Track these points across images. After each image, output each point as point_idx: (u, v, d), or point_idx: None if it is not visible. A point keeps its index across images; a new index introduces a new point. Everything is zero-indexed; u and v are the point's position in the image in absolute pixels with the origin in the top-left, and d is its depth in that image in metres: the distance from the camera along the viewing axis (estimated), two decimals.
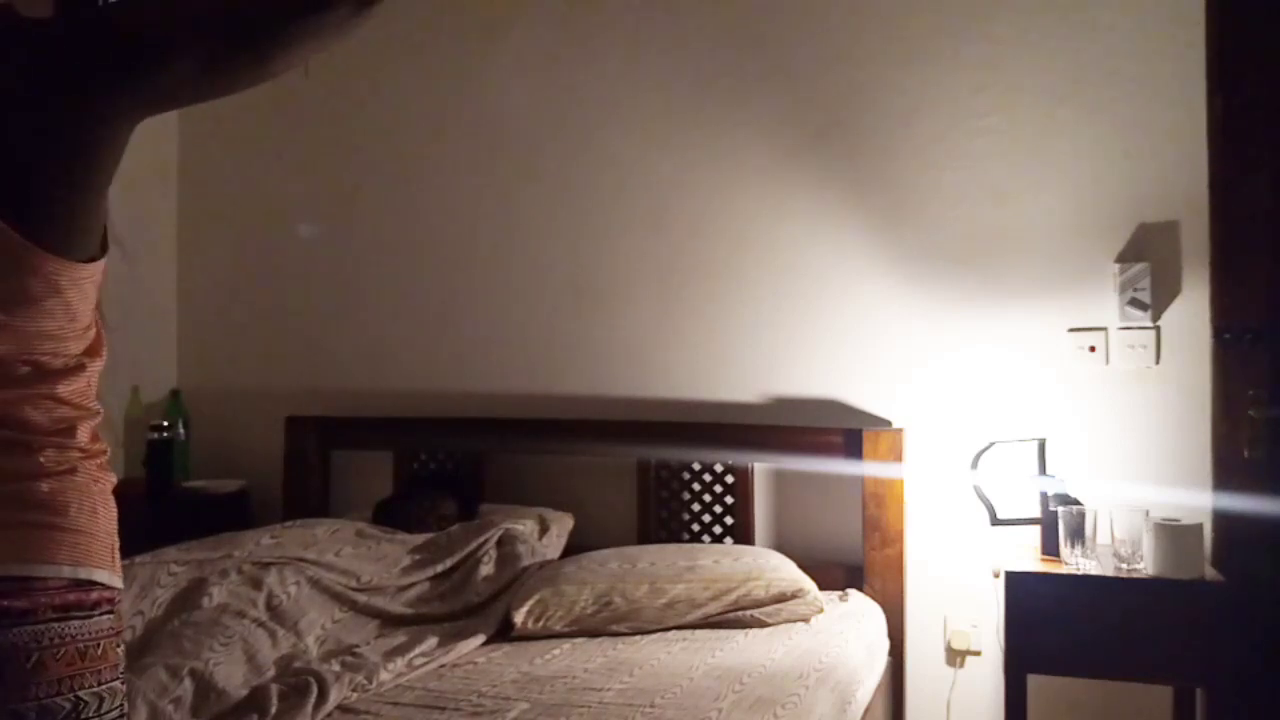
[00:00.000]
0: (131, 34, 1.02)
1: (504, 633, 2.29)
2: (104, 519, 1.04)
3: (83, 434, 1.05)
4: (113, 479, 1.09)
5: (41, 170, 0.98)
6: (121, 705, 1.03)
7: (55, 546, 0.98)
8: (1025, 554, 2.36)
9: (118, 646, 1.03)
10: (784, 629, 2.30)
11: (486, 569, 2.46)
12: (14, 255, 0.97)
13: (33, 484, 0.99)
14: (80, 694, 0.97)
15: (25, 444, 1.00)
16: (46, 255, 0.98)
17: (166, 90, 1.05)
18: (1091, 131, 2.55)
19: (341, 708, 1.83)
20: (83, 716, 0.98)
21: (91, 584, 1.00)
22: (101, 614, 1.01)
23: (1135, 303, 2.48)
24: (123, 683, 1.04)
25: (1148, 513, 2.21)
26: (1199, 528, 2.18)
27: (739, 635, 2.26)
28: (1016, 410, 2.55)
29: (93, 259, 1.03)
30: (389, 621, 2.31)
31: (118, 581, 1.04)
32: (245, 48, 1.06)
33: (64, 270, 1.00)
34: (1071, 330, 2.55)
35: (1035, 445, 2.42)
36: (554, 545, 2.69)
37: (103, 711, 0.99)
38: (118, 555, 1.05)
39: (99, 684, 0.99)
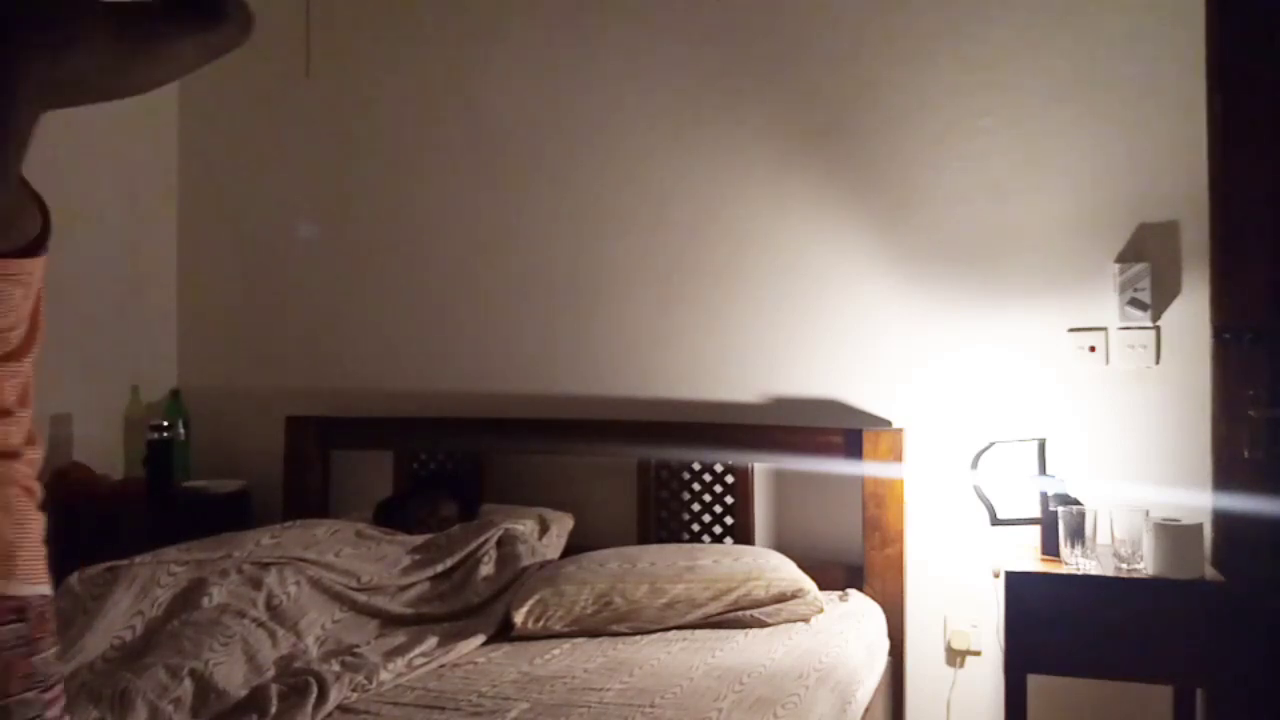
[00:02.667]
0: (49, 8, 1.01)
1: (504, 633, 2.28)
2: (8, 526, 0.99)
3: None
4: (29, 482, 1.03)
5: None
6: (38, 715, 0.98)
7: None
8: (1025, 554, 2.36)
9: (33, 656, 0.98)
10: (784, 629, 2.30)
11: (486, 569, 2.46)
12: None
13: None
14: (2, 703, 0.94)
15: None
16: None
17: (69, 78, 1.03)
18: (1091, 131, 2.55)
19: (341, 708, 1.83)
20: None
21: None
22: (6, 624, 0.96)
23: (1135, 303, 2.48)
24: (42, 691, 0.99)
25: (1148, 513, 2.21)
26: (1199, 528, 2.18)
27: (739, 635, 2.26)
28: (1016, 410, 2.56)
29: (11, 253, 0.97)
30: (389, 621, 2.31)
31: (30, 589, 0.99)
32: (143, 53, 1.10)
33: None
34: (1071, 330, 2.55)
35: (1035, 445, 2.42)
36: (554, 545, 2.69)
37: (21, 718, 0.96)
38: (32, 561, 1.00)
39: (22, 692, 0.96)
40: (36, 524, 1.03)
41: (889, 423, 2.69)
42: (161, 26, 1.12)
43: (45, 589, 1.01)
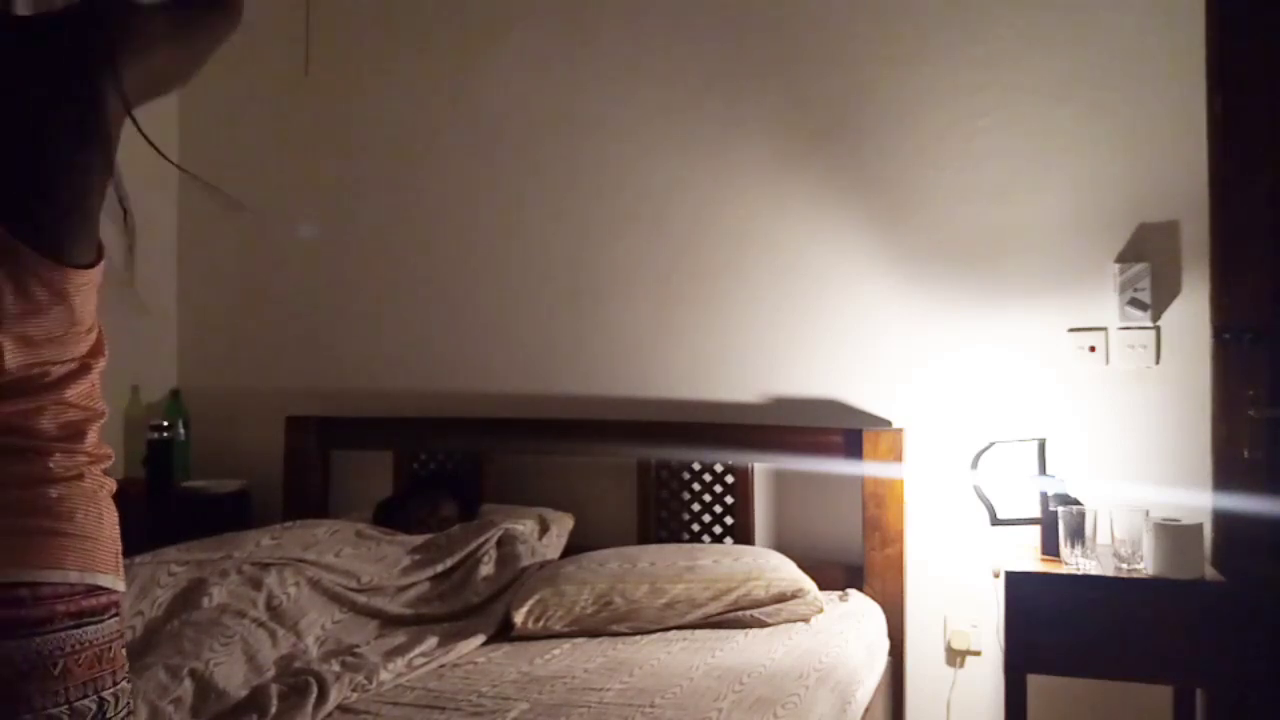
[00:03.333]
0: (131, 17, 1.07)
1: (504, 633, 2.29)
2: (108, 524, 1.05)
3: (90, 437, 1.06)
4: (113, 483, 1.09)
5: (59, 173, 0.99)
6: (129, 702, 1.06)
7: (64, 553, 0.99)
8: (1025, 554, 2.36)
9: (123, 648, 1.06)
10: (784, 629, 2.30)
11: (486, 569, 2.46)
12: (21, 267, 0.97)
13: (41, 489, 1.00)
14: (103, 694, 1.01)
15: (34, 450, 1.00)
16: (53, 264, 0.99)
17: (146, 83, 1.10)
18: (1091, 131, 2.55)
19: (341, 708, 1.83)
20: (106, 715, 1.01)
21: (99, 589, 1.02)
22: (110, 617, 1.03)
23: (1135, 303, 2.48)
24: (128, 681, 1.07)
25: (1148, 513, 2.21)
26: (1199, 528, 2.18)
27: (739, 635, 2.26)
28: (1016, 410, 2.56)
29: (92, 263, 1.04)
30: (389, 622, 2.31)
31: (121, 585, 1.05)
32: (188, 45, 1.17)
33: (69, 278, 1.00)
34: (1071, 330, 2.55)
35: (1035, 445, 2.42)
36: (554, 545, 2.69)
37: (119, 709, 1.03)
38: (120, 559, 1.06)
39: (114, 684, 1.02)
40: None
41: (889, 423, 2.69)
42: (196, 16, 1.17)
43: (124, 585, 1.09)
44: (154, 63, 1.09)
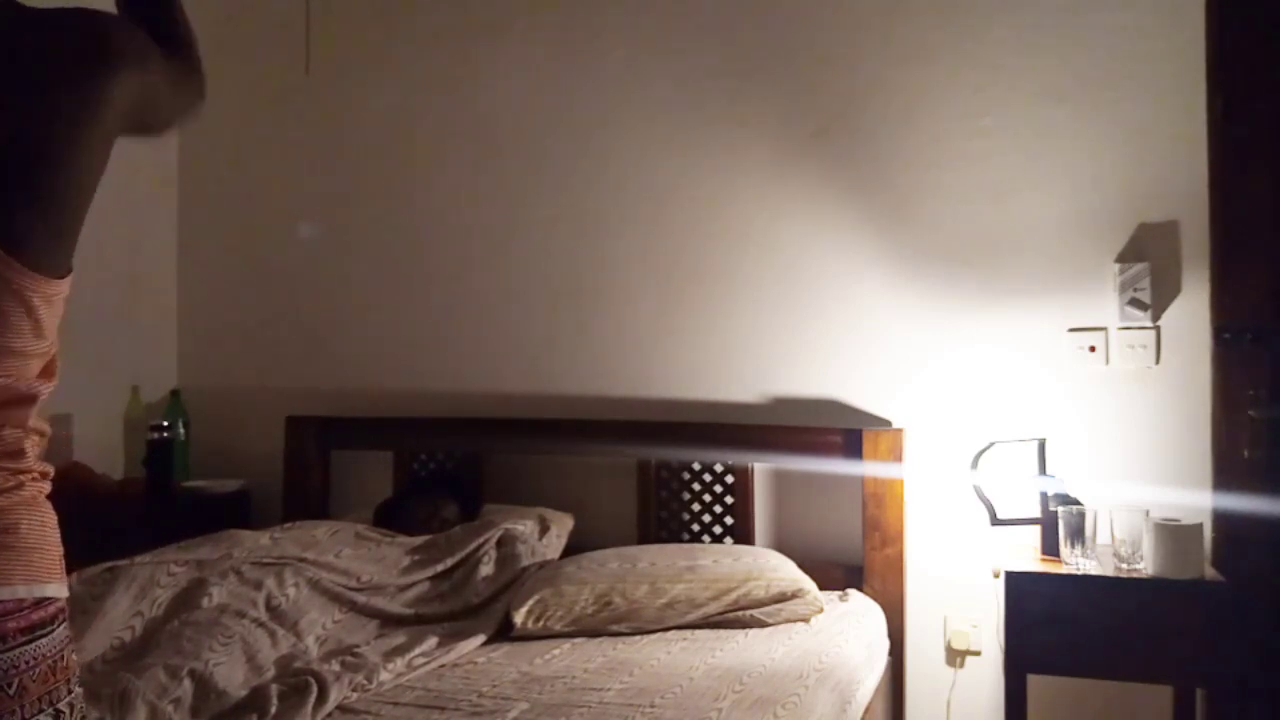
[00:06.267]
0: (135, 36, 1.06)
1: (504, 633, 2.29)
2: (50, 528, 1.02)
3: (30, 453, 1.02)
4: (48, 485, 1.05)
5: (53, 173, 0.97)
6: (83, 707, 1.04)
7: (11, 567, 0.96)
8: (1025, 554, 2.36)
9: (73, 653, 1.03)
10: (784, 629, 2.30)
11: (486, 569, 2.46)
12: (4, 279, 0.94)
13: None
14: (58, 706, 0.98)
15: None
16: (27, 272, 0.95)
17: (139, 104, 1.08)
18: (1091, 131, 2.55)
19: (341, 708, 1.83)
20: None
21: (47, 599, 0.99)
22: (59, 626, 1.00)
23: (1135, 303, 2.48)
24: (80, 686, 1.04)
25: (1148, 513, 2.22)
26: (1199, 528, 2.18)
27: (739, 635, 2.26)
28: (1016, 410, 2.56)
29: (66, 274, 1.01)
30: (389, 622, 2.31)
31: (65, 590, 1.03)
32: (176, 90, 1.15)
33: (40, 287, 0.97)
34: (1071, 330, 2.55)
35: (1035, 445, 2.42)
36: (554, 545, 2.69)
37: (74, 718, 1.01)
38: (63, 562, 1.03)
39: (69, 693, 1.00)
40: None
41: (889, 423, 2.69)
42: (181, 68, 1.17)
43: (68, 590, 1.06)
44: (144, 91, 1.07)
